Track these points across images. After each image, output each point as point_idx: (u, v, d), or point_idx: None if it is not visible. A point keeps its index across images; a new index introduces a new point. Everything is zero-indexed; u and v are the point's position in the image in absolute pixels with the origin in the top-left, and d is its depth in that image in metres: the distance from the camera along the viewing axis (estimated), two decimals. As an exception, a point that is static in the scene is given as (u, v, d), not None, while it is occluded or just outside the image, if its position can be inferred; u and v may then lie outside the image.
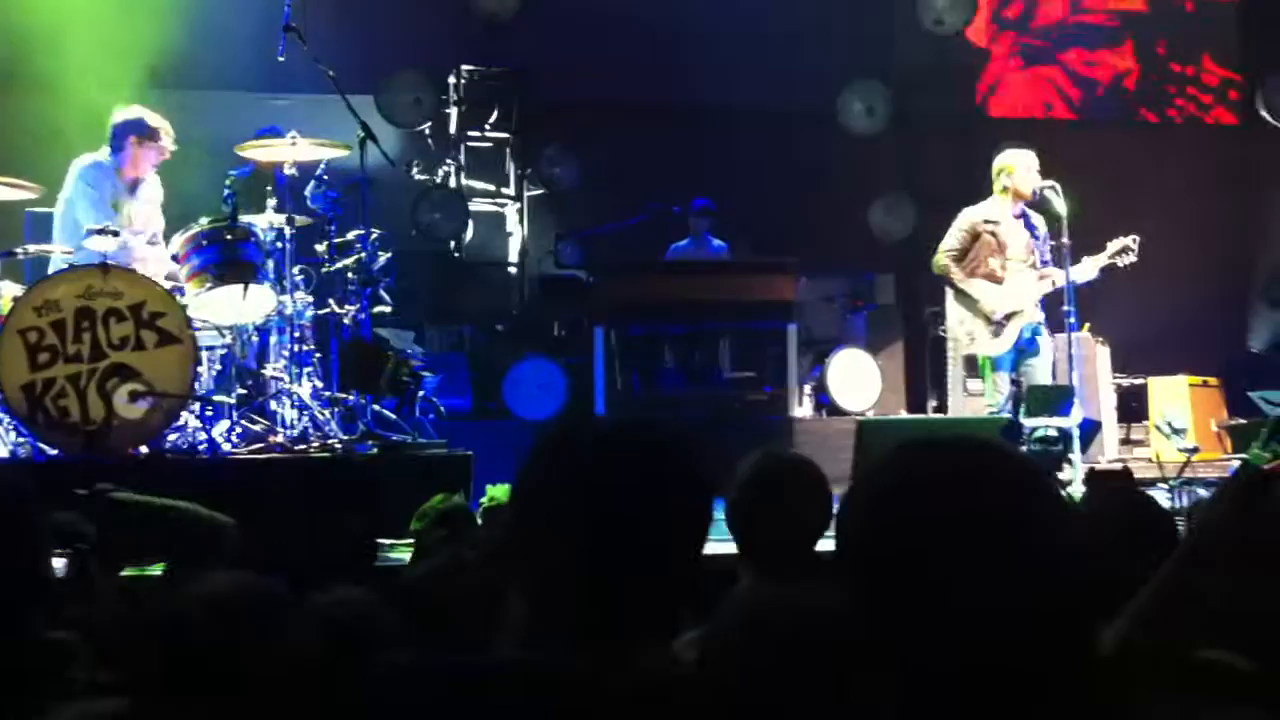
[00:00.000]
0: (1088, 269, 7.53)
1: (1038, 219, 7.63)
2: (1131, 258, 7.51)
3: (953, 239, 7.67)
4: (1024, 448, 7.06)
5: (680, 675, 1.66)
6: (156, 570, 4.25)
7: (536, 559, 1.66)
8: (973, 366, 8.45)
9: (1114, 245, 7.53)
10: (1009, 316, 7.53)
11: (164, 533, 4.03)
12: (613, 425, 1.78)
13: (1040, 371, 7.59)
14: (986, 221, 7.62)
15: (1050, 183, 7.53)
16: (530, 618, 1.66)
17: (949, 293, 7.87)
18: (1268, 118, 10.56)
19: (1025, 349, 7.59)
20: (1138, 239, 7.49)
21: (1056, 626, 1.34)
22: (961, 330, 7.74)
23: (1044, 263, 7.63)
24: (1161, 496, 6.60)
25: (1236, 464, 7.45)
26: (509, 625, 2.08)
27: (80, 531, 3.48)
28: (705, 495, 1.71)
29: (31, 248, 6.59)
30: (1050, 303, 7.85)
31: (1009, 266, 7.58)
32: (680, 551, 1.66)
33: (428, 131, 10.20)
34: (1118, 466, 7.63)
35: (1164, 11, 11.76)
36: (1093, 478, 6.56)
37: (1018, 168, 7.58)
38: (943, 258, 7.66)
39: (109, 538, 3.57)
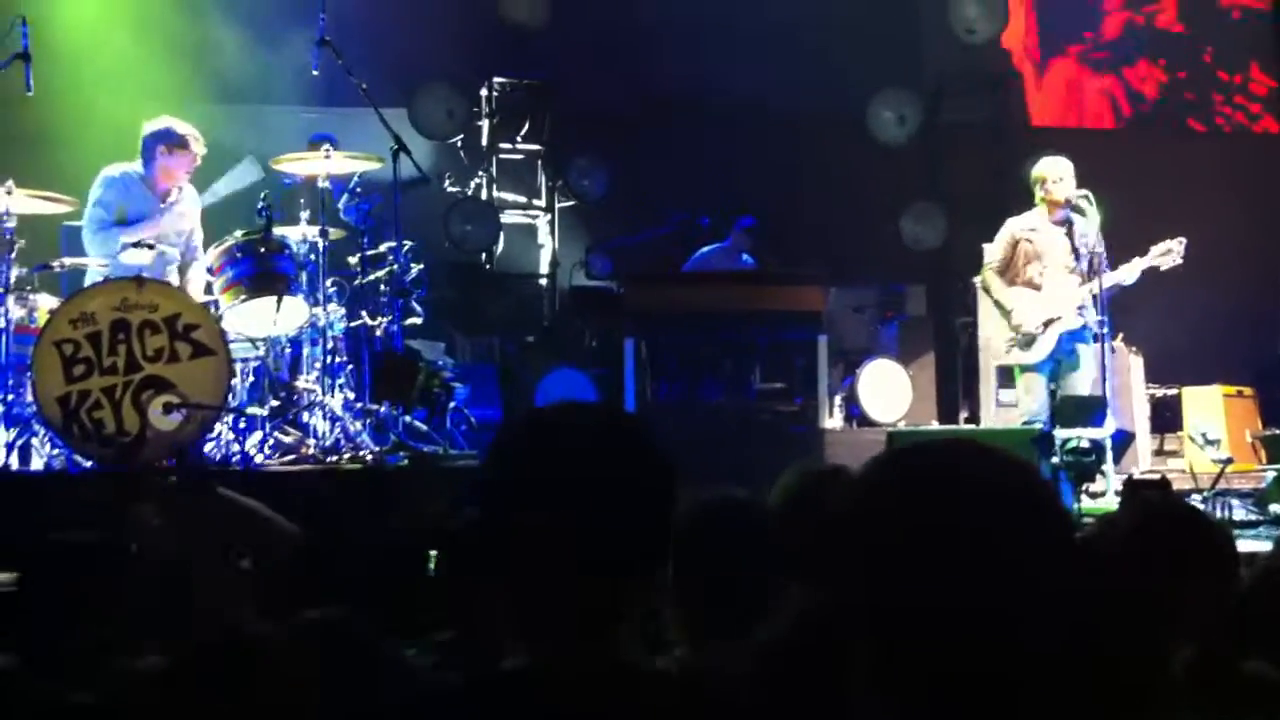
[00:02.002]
0: (1128, 272, 7.52)
1: (1082, 224, 7.60)
2: (1177, 260, 7.48)
3: (996, 250, 7.75)
4: (1056, 459, 7.04)
5: (652, 671, 1.67)
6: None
7: (502, 556, 1.66)
8: (1005, 377, 8.43)
9: (1158, 248, 7.52)
10: (1048, 324, 7.51)
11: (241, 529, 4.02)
12: (559, 411, 1.76)
13: (1080, 382, 7.56)
14: (1025, 229, 7.65)
15: (1083, 192, 7.53)
16: (502, 614, 1.67)
17: (984, 302, 7.86)
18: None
19: (1064, 358, 7.56)
20: (1183, 242, 7.47)
21: (1037, 634, 1.33)
22: (999, 339, 7.75)
23: (1090, 268, 7.58)
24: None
25: (1271, 474, 7.41)
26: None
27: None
28: (661, 473, 1.69)
29: (67, 261, 6.65)
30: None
31: (1047, 273, 7.57)
32: (641, 528, 1.65)
33: (459, 144, 10.24)
34: (1155, 477, 7.57)
35: (1209, 21, 11.70)
36: (1129, 487, 6.52)
37: (1049, 176, 7.58)
38: (987, 270, 7.76)
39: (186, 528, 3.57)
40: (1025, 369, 7.60)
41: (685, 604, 2.30)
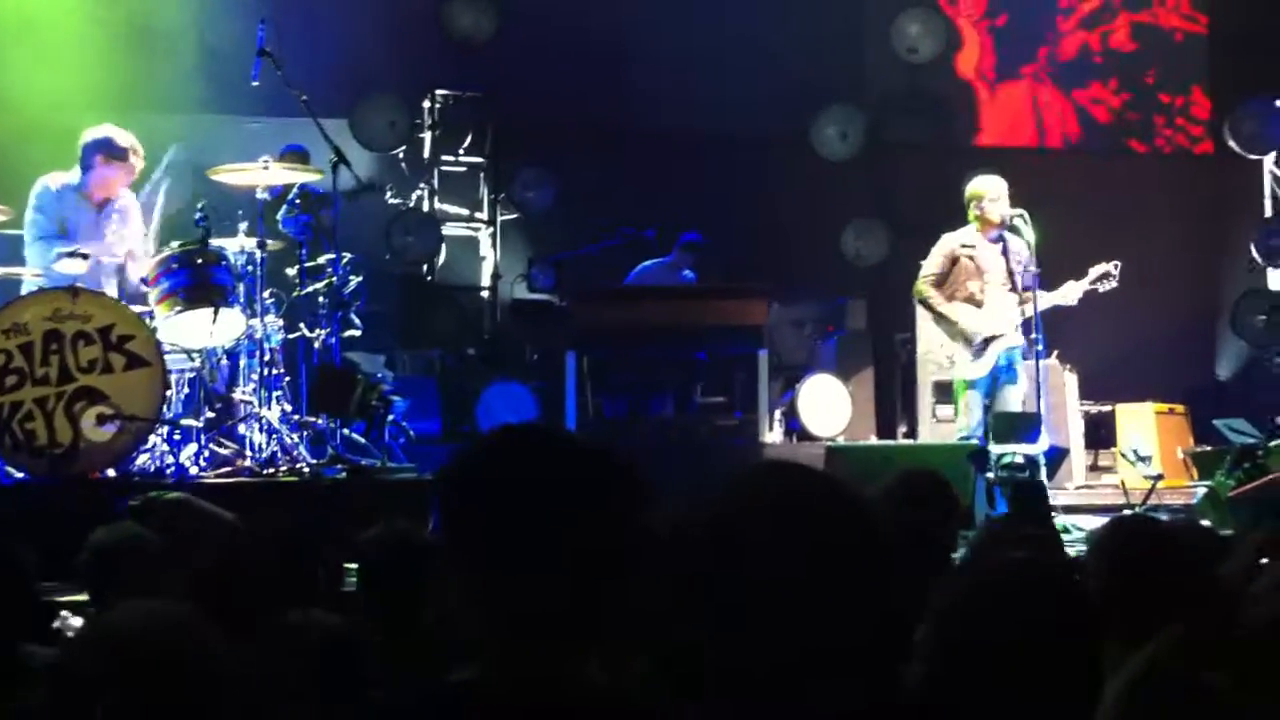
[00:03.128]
0: (1069, 293, 7.60)
1: (1018, 244, 7.67)
2: (1113, 283, 7.58)
3: (932, 264, 7.73)
4: (991, 474, 7.12)
5: (619, 681, 1.69)
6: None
7: (461, 568, 1.67)
8: (943, 392, 8.51)
9: (1095, 271, 7.61)
10: (989, 340, 7.56)
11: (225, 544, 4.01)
12: (523, 435, 1.79)
13: (1013, 398, 7.63)
14: (964, 246, 7.68)
15: (1019, 211, 7.60)
16: (463, 624, 1.68)
17: (924, 317, 7.91)
18: (1234, 146, 10.67)
19: (1001, 374, 7.62)
20: (1119, 265, 7.57)
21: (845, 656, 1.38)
22: (942, 354, 7.77)
23: (1026, 287, 7.66)
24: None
25: (1201, 490, 7.53)
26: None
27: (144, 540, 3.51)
28: (617, 491, 1.72)
29: (0, 270, 6.57)
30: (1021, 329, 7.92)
31: (988, 290, 7.63)
32: (594, 548, 1.66)
33: (401, 155, 10.22)
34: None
35: (1153, 43, 11.88)
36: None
37: (985, 195, 7.65)
38: (922, 284, 7.71)
39: (180, 542, 3.58)
40: (967, 385, 7.65)
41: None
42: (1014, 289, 7.64)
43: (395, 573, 3.20)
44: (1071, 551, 6.17)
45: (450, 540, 1.70)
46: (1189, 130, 12.02)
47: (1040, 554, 3.65)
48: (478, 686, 1.63)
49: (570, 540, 1.64)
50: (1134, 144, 11.98)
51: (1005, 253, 7.68)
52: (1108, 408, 9.97)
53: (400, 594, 3.17)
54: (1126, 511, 7.26)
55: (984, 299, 7.61)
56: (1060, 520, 7.31)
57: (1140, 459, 8.13)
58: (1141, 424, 9.68)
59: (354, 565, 5.14)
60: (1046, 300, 7.55)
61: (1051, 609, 1.88)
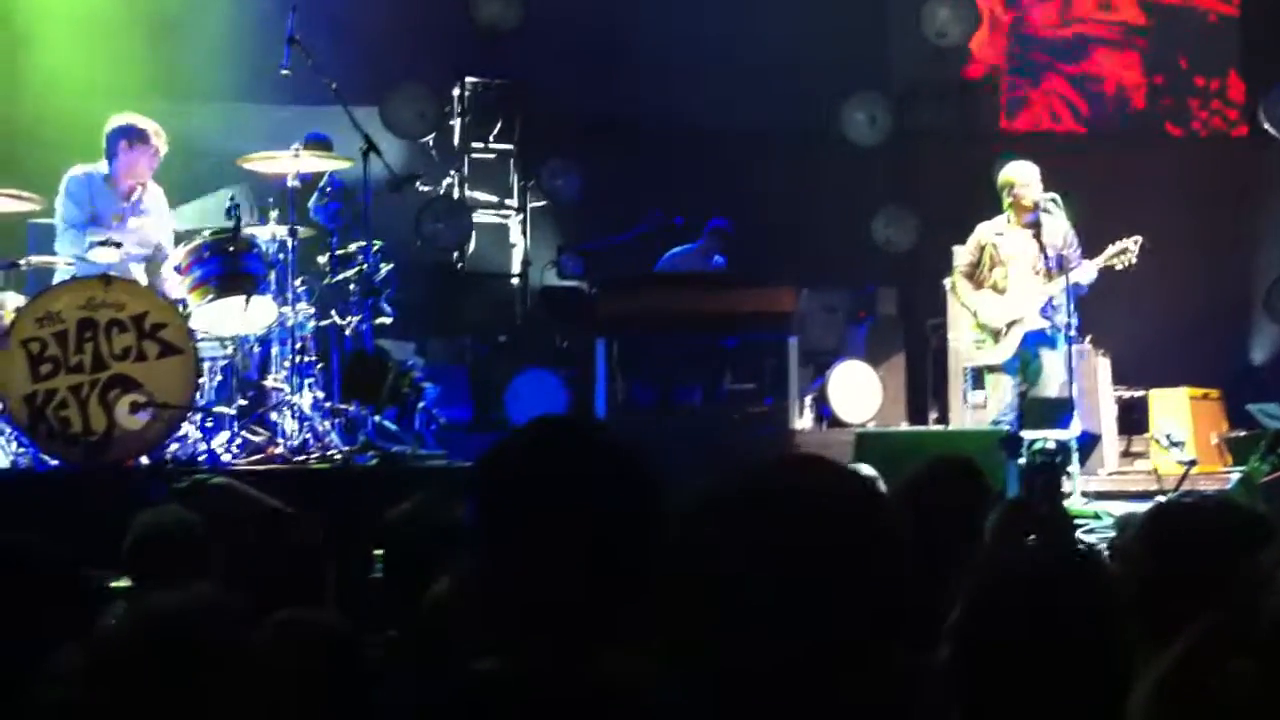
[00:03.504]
0: (1084, 272, 7.60)
1: (1054, 227, 7.66)
2: (1132, 259, 7.56)
3: (965, 255, 7.87)
4: (1023, 460, 7.09)
5: (640, 675, 1.69)
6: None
7: (493, 563, 1.68)
8: (975, 379, 8.49)
9: (1113, 248, 7.59)
10: (1010, 325, 7.59)
11: (269, 530, 4.00)
12: (551, 429, 1.80)
13: (1048, 383, 7.62)
14: (995, 234, 7.74)
15: (1051, 195, 7.60)
16: (487, 621, 1.68)
17: (954, 304, 7.95)
18: (1269, 128, 10.57)
19: (1030, 360, 7.62)
20: (1139, 240, 7.53)
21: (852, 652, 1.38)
22: (966, 341, 7.86)
23: (1061, 268, 7.64)
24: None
25: (1235, 476, 7.48)
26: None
27: (190, 523, 3.50)
28: (645, 491, 1.73)
29: (34, 259, 6.63)
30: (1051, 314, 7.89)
31: (1012, 278, 7.65)
32: (622, 546, 1.67)
33: (431, 143, 10.23)
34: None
35: (1187, 26, 11.78)
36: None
37: (1017, 181, 7.64)
38: (955, 274, 7.89)
39: (221, 527, 3.58)
40: (991, 370, 7.68)
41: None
42: (1044, 273, 7.63)
43: (419, 551, 3.19)
44: (1095, 538, 6.19)
45: (484, 530, 1.71)
46: (1225, 114, 11.92)
47: (1050, 538, 3.64)
48: (503, 677, 1.63)
49: (601, 535, 1.65)
50: (1169, 127, 11.88)
51: (1038, 237, 7.66)
52: (1141, 393, 9.90)
53: (423, 573, 3.16)
54: (1160, 498, 7.22)
55: (1007, 285, 7.63)
56: (1092, 506, 7.30)
57: (1174, 444, 8.07)
58: (1175, 409, 9.61)
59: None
60: (1058, 285, 7.54)
61: (1078, 599, 1.87)
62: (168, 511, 3.62)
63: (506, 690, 1.62)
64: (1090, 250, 7.72)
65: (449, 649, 2.43)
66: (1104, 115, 11.78)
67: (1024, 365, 7.68)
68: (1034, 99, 11.76)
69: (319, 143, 7.46)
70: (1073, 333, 7.67)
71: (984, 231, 7.80)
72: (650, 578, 1.68)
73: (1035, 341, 7.65)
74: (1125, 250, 7.57)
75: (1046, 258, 7.65)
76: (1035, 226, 7.67)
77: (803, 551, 1.39)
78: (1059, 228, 7.62)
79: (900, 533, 1.47)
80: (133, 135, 6.81)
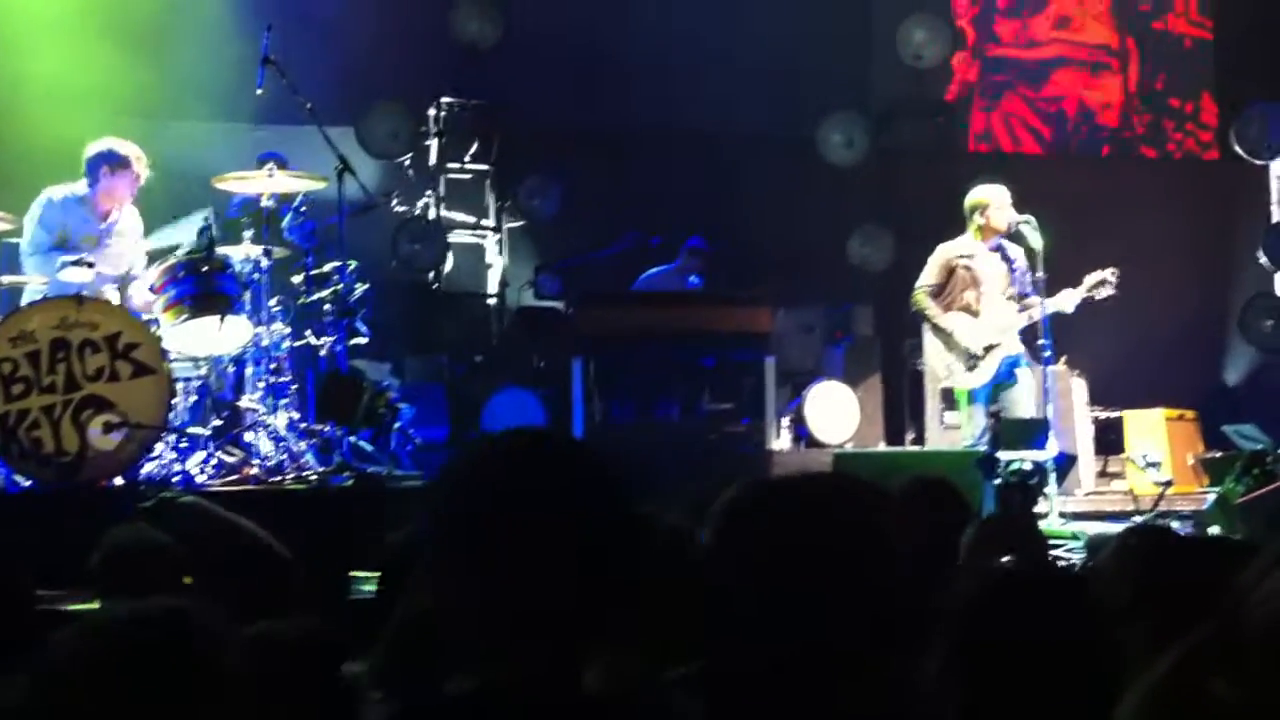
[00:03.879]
0: (1066, 301, 7.62)
1: (1015, 251, 7.70)
2: (1110, 290, 7.60)
3: (929, 275, 7.76)
4: (999, 480, 7.09)
5: (630, 685, 1.68)
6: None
7: (458, 577, 1.66)
8: (950, 399, 8.51)
9: (1091, 278, 7.62)
10: (988, 349, 7.58)
11: (238, 548, 3.95)
12: (511, 439, 1.79)
13: (1021, 404, 7.63)
14: (961, 256, 7.70)
15: (1025, 217, 7.62)
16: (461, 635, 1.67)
17: (926, 327, 7.93)
18: (1239, 150, 10.66)
19: (1003, 381, 7.63)
20: (1116, 272, 7.57)
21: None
22: (940, 364, 7.81)
23: (1024, 294, 7.69)
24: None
25: (1211, 496, 7.50)
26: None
27: (159, 541, 3.44)
28: (620, 497, 1.71)
29: (5, 279, 6.59)
30: (1027, 336, 7.91)
31: (984, 300, 7.65)
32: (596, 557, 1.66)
33: (407, 163, 10.21)
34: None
35: (1161, 47, 11.88)
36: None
37: (991, 203, 7.66)
38: (920, 294, 7.77)
39: (189, 545, 3.52)
40: (968, 396, 7.67)
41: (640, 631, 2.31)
42: (1013, 297, 7.65)
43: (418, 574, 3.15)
44: (1073, 557, 6.20)
45: (443, 545, 1.69)
46: (1199, 135, 12.01)
47: (1026, 554, 3.63)
48: (486, 692, 1.61)
49: (563, 543, 1.63)
50: (1145, 149, 11.97)
51: (1005, 259, 7.69)
52: (1116, 413, 9.94)
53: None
54: (1136, 518, 7.24)
55: (980, 309, 7.63)
56: (1069, 527, 7.31)
57: (1150, 465, 8.10)
58: (1151, 430, 9.65)
59: (360, 573, 5.15)
60: (1047, 307, 7.56)
61: (1062, 614, 1.87)
62: (136, 530, 3.56)
63: (492, 705, 1.60)
64: (1066, 275, 7.74)
65: (431, 666, 2.41)
66: (1065, 137, 11.85)
67: (996, 387, 7.69)
68: (1012, 119, 11.82)
69: (275, 161, 7.45)
70: (1047, 354, 7.69)
71: (950, 252, 7.75)
72: (620, 581, 1.67)
73: (1010, 365, 7.67)
74: (1103, 282, 7.61)
75: (1014, 282, 7.68)
76: (999, 250, 7.69)
77: (799, 560, 1.39)
78: (1020, 253, 7.65)
79: (893, 543, 1.47)
80: (114, 161, 6.80)
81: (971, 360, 7.60)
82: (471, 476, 1.71)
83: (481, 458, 1.74)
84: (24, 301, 6.47)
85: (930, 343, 7.86)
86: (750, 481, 1.49)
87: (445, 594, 1.68)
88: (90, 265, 6.41)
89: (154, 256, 6.97)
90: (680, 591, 2.34)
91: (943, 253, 7.75)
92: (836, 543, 1.43)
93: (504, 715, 1.59)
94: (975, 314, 7.64)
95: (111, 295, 6.73)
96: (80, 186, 6.84)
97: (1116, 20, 11.87)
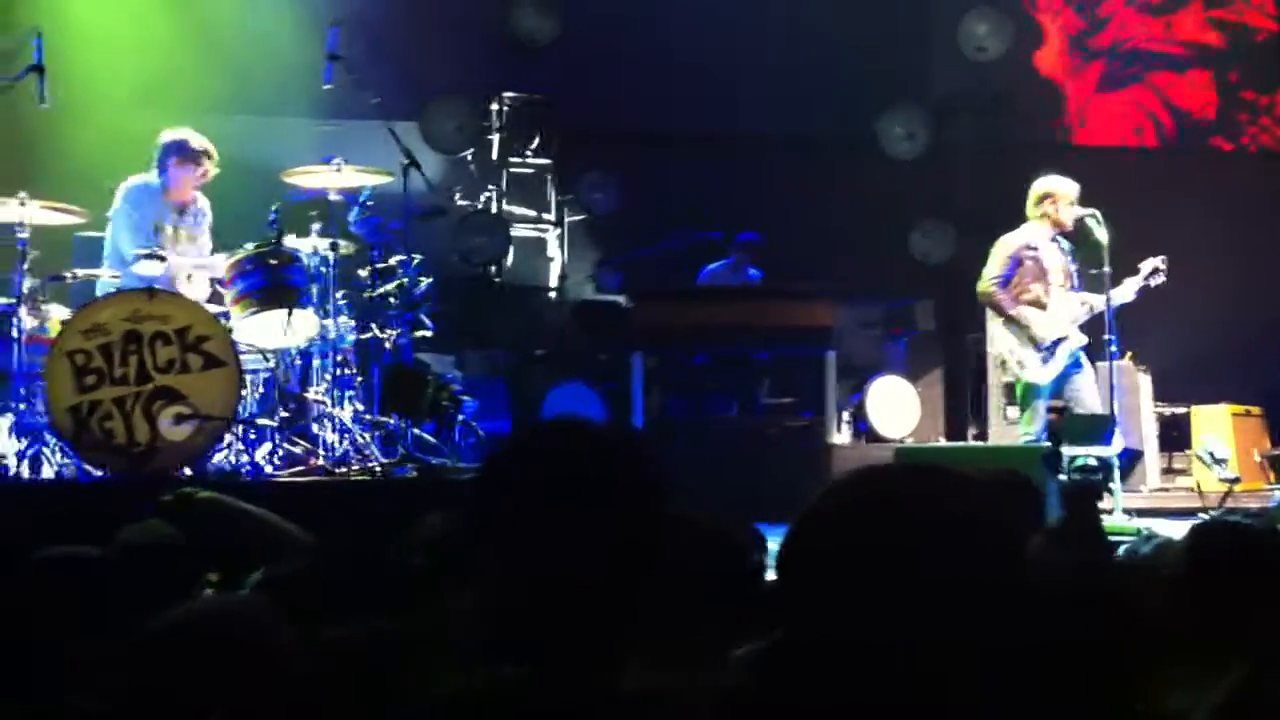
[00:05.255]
0: (1126, 291, 7.55)
1: (1067, 243, 7.64)
2: (1162, 278, 7.52)
3: (995, 266, 7.66)
4: (1064, 476, 7.04)
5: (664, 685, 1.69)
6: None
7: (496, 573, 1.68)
8: (1014, 394, 8.43)
9: (1146, 266, 7.55)
10: (1058, 342, 7.53)
11: (252, 540, 3.96)
12: (550, 429, 1.80)
13: (1087, 396, 7.57)
14: (1027, 247, 7.62)
15: (1091, 211, 7.54)
16: (494, 631, 1.68)
17: (994, 320, 7.83)
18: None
19: (1069, 374, 7.58)
20: (1165, 259, 7.50)
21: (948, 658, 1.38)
22: (1012, 358, 7.68)
23: (1075, 287, 7.62)
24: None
25: (1279, 493, 7.39)
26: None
27: (170, 538, 3.43)
28: (647, 493, 1.72)
29: (79, 271, 6.68)
30: (1091, 330, 7.84)
31: (1052, 291, 7.58)
32: (623, 548, 1.67)
33: (470, 157, 10.27)
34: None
35: (1236, 41, 11.73)
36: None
37: (1059, 194, 7.60)
38: (988, 285, 7.64)
39: (198, 540, 3.53)
40: (1033, 391, 7.59)
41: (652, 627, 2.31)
42: (1074, 288, 7.59)
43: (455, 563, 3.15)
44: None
45: (481, 537, 1.71)
46: (1274, 130, 11.85)
47: (1091, 560, 3.60)
48: (521, 684, 1.63)
49: (601, 535, 1.64)
50: (1219, 142, 11.82)
51: (1064, 251, 7.64)
52: (1183, 409, 9.83)
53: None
54: (1202, 516, 7.16)
55: (1049, 300, 7.56)
56: (1135, 524, 7.24)
57: (1216, 461, 8.01)
58: (1217, 426, 9.53)
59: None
60: (1101, 303, 7.49)
61: (1090, 624, 1.87)
62: (147, 527, 3.51)
63: (526, 697, 1.61)
64: (1129, 266, 7.67)
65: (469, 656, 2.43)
66: (1157, 130, 11.73)
67: (1062, 382, 7.62)
68: (1087, 112, 11.70)
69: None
70: (1113, 349, 7.61)
71: (1014, 243, 7.65)
72: (655, 575, 1.68)
73: (1076, 357, 7.61)
74: (1156, 270, 7.53)
75: (1072, 274, 7.63)
76: (1058, 241, 7.63)
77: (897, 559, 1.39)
78: (1091, 245, 7.58)
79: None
80: (184, 153, 6.89)
81: (1045, 353, 7.53)
82: (509, 469, 1.72)
83: (517, 451, 1.76)
84: (98, 294, 6.57)
85: (1001, 335, 7.73)
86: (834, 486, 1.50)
87: (484, 586, 1.70)
88: (162, 258, 6.50)
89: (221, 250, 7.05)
90: (723, 588, 2.35)
91: (1007, 244, 7.66)
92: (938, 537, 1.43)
93: (535, 710, 1.60)
94: (1043, 306, 7.57)
95: (184, 288, 6.80)
96: (153, 177, 6.94)
97: (1192, 10, 11.73)
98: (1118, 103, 11.76)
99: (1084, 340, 7.59)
